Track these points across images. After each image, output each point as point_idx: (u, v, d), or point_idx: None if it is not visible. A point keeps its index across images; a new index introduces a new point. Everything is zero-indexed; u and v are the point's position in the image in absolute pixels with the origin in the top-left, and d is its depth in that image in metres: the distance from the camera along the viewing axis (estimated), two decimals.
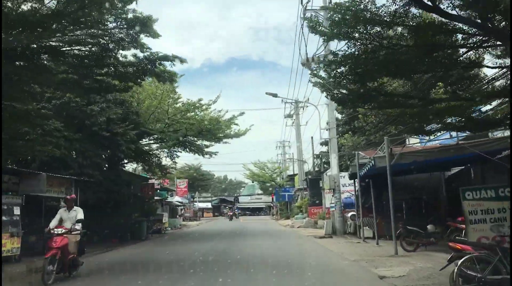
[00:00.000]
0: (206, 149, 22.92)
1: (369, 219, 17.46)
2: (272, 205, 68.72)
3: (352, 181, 19.89)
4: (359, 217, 18.76)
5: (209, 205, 72.31)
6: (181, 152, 22.24)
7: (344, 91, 8.44)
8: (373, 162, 11.92)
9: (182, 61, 10.81)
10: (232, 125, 21.01)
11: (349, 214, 21.71)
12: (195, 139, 21.37)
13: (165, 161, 22.97)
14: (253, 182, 59.96)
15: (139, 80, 11.05)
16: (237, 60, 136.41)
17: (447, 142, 11.76)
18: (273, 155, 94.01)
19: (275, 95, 20.35)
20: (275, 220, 47.19)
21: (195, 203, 59.16)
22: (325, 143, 45.95)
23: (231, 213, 50.12)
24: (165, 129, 19.16)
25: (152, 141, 20.57)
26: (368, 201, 17.53)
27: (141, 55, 10.34)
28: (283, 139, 55.17)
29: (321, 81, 8.76)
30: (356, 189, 19.91)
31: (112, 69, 10.19)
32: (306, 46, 19.69)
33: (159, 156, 22.39)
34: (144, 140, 20.17)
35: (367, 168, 13.34)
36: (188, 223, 40.45)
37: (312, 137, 40.17)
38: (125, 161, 21.22)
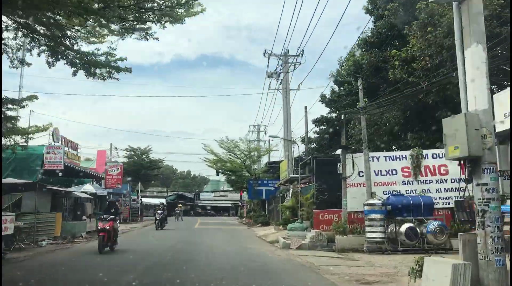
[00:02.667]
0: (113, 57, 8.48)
1: None
2: (240, 204, 54.59)
3: None
4: None
5: (164, 201, 57.27)
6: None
7: None
8: None
9: None
10: None
11: None
12: None
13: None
14: (218, 174, 45.11)
15: None
16: (208, 57, 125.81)
17: None
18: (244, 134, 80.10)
19: None
20: (246, 226, 32.90)
21: (140, 198, 44.22)
22: (319, 120, 32.71)
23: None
24: None
25: None
26: None
27: None
28: (257, 124, 41.36)
29: None
30: None
31: None
32: None
33: None
34: None
35: None
36: None
37: (306, 107, 26.09)
38: None
